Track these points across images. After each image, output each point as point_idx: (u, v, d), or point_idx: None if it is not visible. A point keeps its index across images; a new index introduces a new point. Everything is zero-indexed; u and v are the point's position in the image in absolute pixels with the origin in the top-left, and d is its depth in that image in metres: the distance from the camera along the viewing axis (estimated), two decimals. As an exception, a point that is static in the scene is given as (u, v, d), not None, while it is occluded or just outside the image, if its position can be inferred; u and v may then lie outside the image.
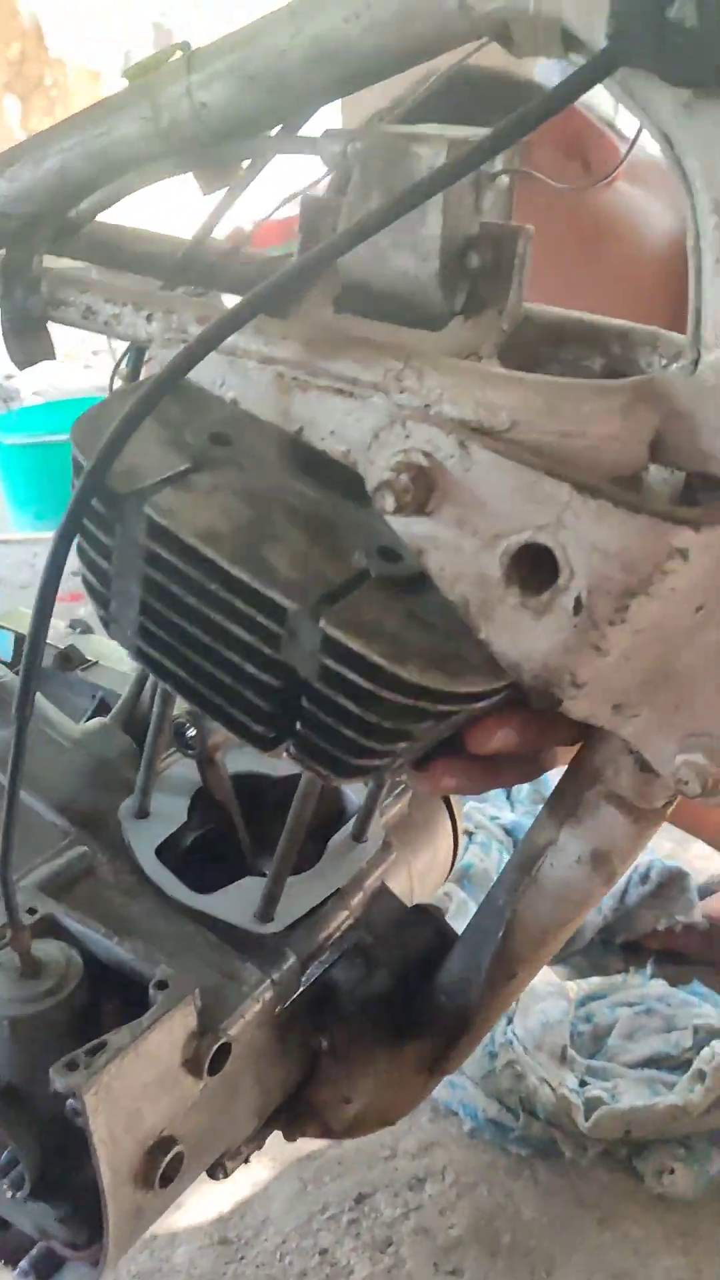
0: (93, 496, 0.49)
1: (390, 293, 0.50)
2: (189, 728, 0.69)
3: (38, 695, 0.76)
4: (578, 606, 0.43)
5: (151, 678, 0.77)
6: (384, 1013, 0.67)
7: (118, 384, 0.70)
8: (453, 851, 0.83)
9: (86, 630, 0.88)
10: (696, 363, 0.44)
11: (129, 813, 0.68)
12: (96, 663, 0.86)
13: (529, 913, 0.58)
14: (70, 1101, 0.51)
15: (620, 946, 1.43)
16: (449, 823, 0.83)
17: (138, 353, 0.58)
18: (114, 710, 0.76)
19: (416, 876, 0.78)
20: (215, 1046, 0.57)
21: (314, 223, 0.52)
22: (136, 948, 0.58)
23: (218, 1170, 0.67)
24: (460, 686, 0.47)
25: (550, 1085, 1.16)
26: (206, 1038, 0.57)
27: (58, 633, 0.88)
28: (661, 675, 0.46)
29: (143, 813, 0.69)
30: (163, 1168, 0.55)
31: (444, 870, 0.82)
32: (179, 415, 0.55)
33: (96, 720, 0.75)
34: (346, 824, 0.72)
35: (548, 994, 1.27)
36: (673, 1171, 1.11)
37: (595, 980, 1.34)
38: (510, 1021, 1.23)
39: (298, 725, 0.51)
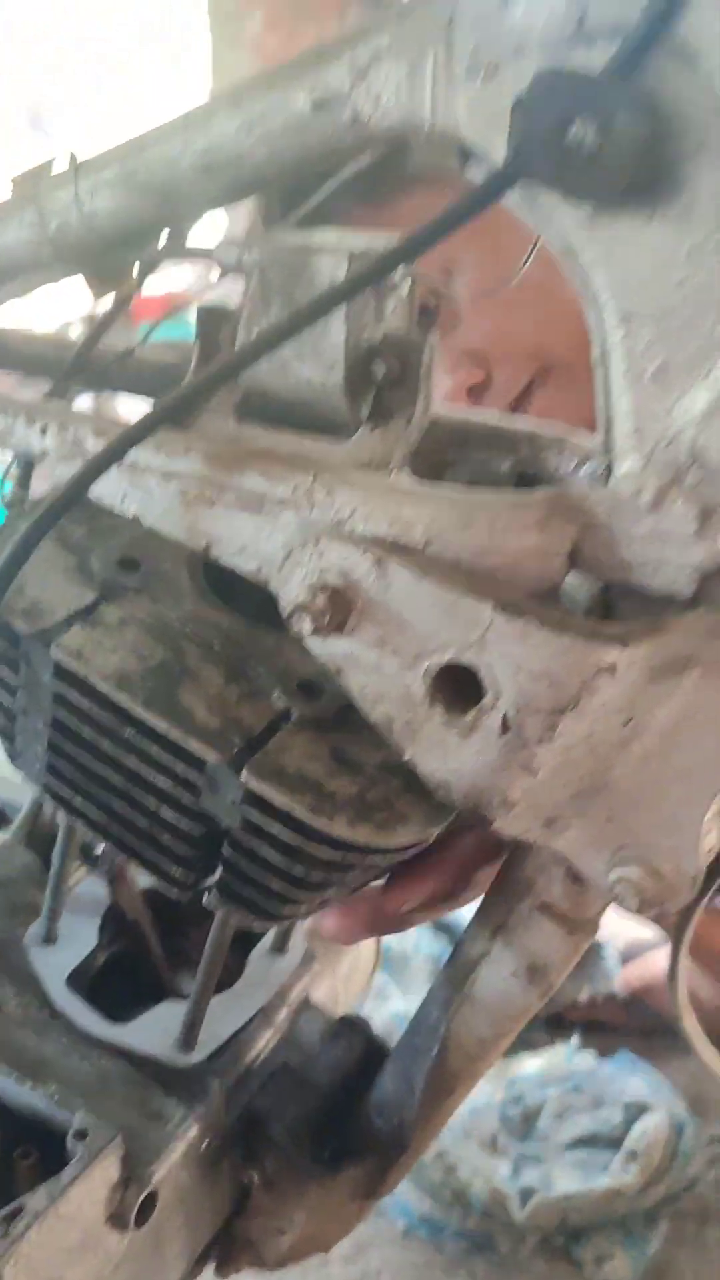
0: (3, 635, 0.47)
1: (294, 401, 0.48)
2: (97, 844, 0.66)
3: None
4: (505, 726, 0.42)
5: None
6: (315, 1138, 0.64)
7: None
8: (375, 952, 0.81)
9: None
10: (609, 471, 0.44)
11: (35, 939, 0.65)
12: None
13: (464, 1029, 0.56)
14: (-15, 1278, 0.47)
15: (544, 1021, 1.41)
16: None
17: (24, 466, 0.55)
18: (14, 825, 0.72)
19: (341, 982, 0.76)
20: (141, 1197, 0.53)
21: (210, 332, 0.51)
22: (51, 1093, 0.54)
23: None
24: (390, 841, 0.45)
25: (483, 1177, 1.13)
26: (131, 1188, 0.53)
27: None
28: (592, 788, 0.45)
29: (50, 938, 0.65)
30: (89, 1335, 0.51)
31: (368, 973, 0.79)
32: (83, 538, 0.53)
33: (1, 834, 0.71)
34: (265, 936, 0.69)
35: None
36: (613, 1258, 1.09)
37: (522, 1056, 1.32)
38: (439, 1109, 1.20)
39: (219, 871, 0.49)
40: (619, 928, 1.52)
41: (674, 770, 0.44)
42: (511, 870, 0.53)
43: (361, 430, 0.48)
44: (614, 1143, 1.18)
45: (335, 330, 0.46)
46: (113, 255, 0.52)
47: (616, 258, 0.41)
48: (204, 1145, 0.59)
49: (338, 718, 0.47)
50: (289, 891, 0.47)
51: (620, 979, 1.36)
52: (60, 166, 0.51)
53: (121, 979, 0.67)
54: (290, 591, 0.44)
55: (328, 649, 0.44)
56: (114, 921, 0.67)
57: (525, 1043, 1.38)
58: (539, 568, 0.43)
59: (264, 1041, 0.65)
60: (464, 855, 0.55)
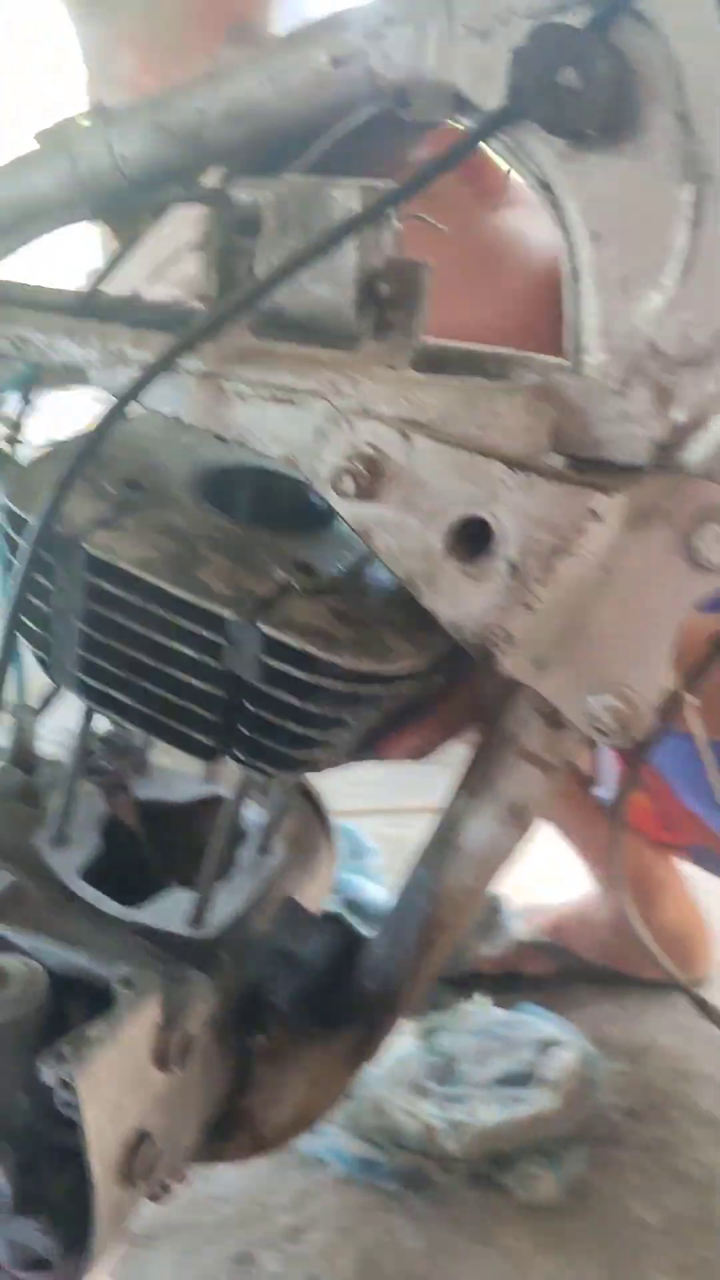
0: (46, 540, 0.54)
1: (307, 318, 0.56)
2: (100, 759, 0.71)
3: None
4: (510, 569, 0.51)
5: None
6: (312, 1009, 0.70)
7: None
8: (333, 854, 0.88)
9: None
10: (579, 367, 0.53)
11: (47, 841, 0.69)
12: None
13: (452, 880, 0.64)
14: (61, 1093, 0.52)
15: (453, 982, 1.49)
16: (327, 843, 0.88)
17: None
18: (7, 751, 0.77)
19: (310, 881, 0.82)
20: (181, 1038, 0.59)
21: (224, 261, 0.59)
22: (91, 953, 0.59)
23: (159, 1193, 0.68)
24: (390, 668, 0.54)
25: (414, 1115, 1.20)
26: (171, 1031, 0.59)
27: None
28: (574, 631, 0.54)
29: (61, 841, 0.70)
30: (141, 1163, 0.56)
31: (327, 885, 0.86)
32: (92, 471, 0.60)
33: (-11, 763, 0.76)
34: (252, 839, 0.76)
35: (395, 1033, 1.31)
36: (538, 1178, 1.17)
37: (434, 1015, 1.40)
38: (365, 1064, 1.27)
39: (241, 730, 0.56)
40: (513, 893, 1.62)
41: (642, 612, 0.53)
42: (493, 730, 0.61)
43: (367, 341, 0.56)
44: (529, 1080, 1.26)
45: (349, 254, 0.55)
46: (137, 197, 0.59)
47: (587, 186, 0.51)
48: (220, 1012, 0.65)
49: (331, 588, 0.56)
50: (305, 731, 0.55)
51: (528, 925, 1.46)
52: (86, 118, 0.58)
53: (116, 878, 0.72)
54: (327, 463, 0.52)
55: (358, 514, 0.52)
56: (114, 828, 0.73)
57: (434, 1004, 1.46)
58: (527, 443, 0.52)
59: (260, 927, 0.71)
60: (440, 723, 0.64)
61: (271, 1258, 1.13)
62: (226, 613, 0.53)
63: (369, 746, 0.61)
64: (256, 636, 0.53)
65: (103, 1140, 0.54)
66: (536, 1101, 1.20)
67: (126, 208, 0.60)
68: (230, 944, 0.68)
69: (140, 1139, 0.57)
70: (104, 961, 0.59)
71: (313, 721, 0.55)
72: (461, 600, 0.52)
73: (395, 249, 0.57)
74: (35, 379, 0.71)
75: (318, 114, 0.55)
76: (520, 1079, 1.27)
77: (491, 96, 0.51)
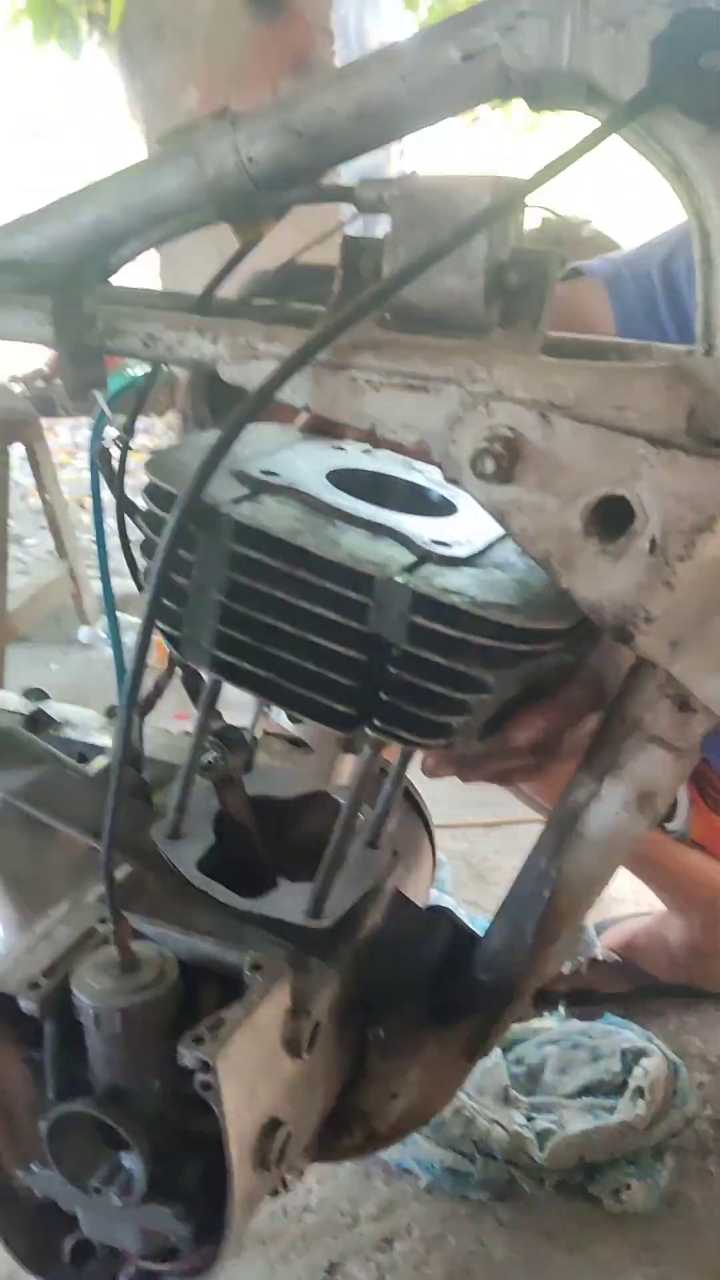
0: (192, 512, 0.55)
1: (437, 311, 0.57)
2: (212, 753, 0.72)
3: (49, 748, 0.77)
4: (652, 547, 0.51)
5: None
6: (426, 1001, 0.70)
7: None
8: (434, 858, 0.88)
9: (40, 696, 0.89)
10: (710, 350, 0.54)
11: (161, 834, 0.70)
12: (66, 722, 0.87)
13: (574, 869, 0.64)
14: (200, 1075, 0.53)
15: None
16: (429, 843, 0.88)
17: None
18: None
19: (414, 879, 0.82)
20: (312, 1024, 0.59)
21: (353, 258, 0.60)
22: (218, 940, 0.60)
23: (280, 1184, 0.68)
24: (539, 624, 0.54)
25: (501, 1125, 1.19)
26: (302, 1017, 0.59)
27: (16, 701, 0.89)
28: (714, 612, 0.54)
29: (176, 834, 0.70)
30: (276, 1148, 0.56)
31: (430, 882, 0.86)
32: (229, 464, 0.62)
33: (100, 759, 0.77)
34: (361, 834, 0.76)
35: (479, 1042, 1.30)
36: (629, 1188, 1.16)
37: (515, 1027, 1.39)
38: (447, 1074, 1.26)
39: (381, 696, 0.56)
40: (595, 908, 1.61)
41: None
42: (619, 715, 0.61)
43: (495, 331, 0.57)
44: (616, 1089, 1.25)
45: (479, 245, 0.55)
46: (262, 198, 0.60)
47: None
48: (341, 1001, 0.65)
49: (470, 561, 0.58)
50: (447, 694, 0.55)
51: (602, 944, 1.45)
52: (213, 121, 0.60)
53: (226, 871, 0.72)
54: (464, 447, 0.52)
55: (494, 497, 0.53)
56: (225, 823, 0.73)
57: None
58: (665, 423, 0.53)
59: (373, 919, 0.71)
60: (565, 706, 0.64)
61: (360, 1267, 1.12)
62: (375, 572, 0.55)
63: (496, 729, 0.61)
64: (405, 594, 0.54)
65: (239, 1124, 0.54)
66: (625, 1111, 1.19)
67: (252, 209, 0.61)
68: (345, 935, 0.68)
69: (273, 1125, 0.57)
70: (232, 948, 0.59)
71: (456, 682, 0.56)
72: (601, 580, 0.52)
73: (524, 238, 0.58)
74: (148, 387, 0.73)
75: (446, 106, 0.56)
76: (607, 1088, 1.26)
77: (627, 85, 0.51)
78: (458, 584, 0.55)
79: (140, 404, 0.71)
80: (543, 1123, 1.20)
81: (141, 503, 0.60)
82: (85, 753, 0.85)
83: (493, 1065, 1.26)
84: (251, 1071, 0.55)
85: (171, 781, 0.75)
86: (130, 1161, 0.56)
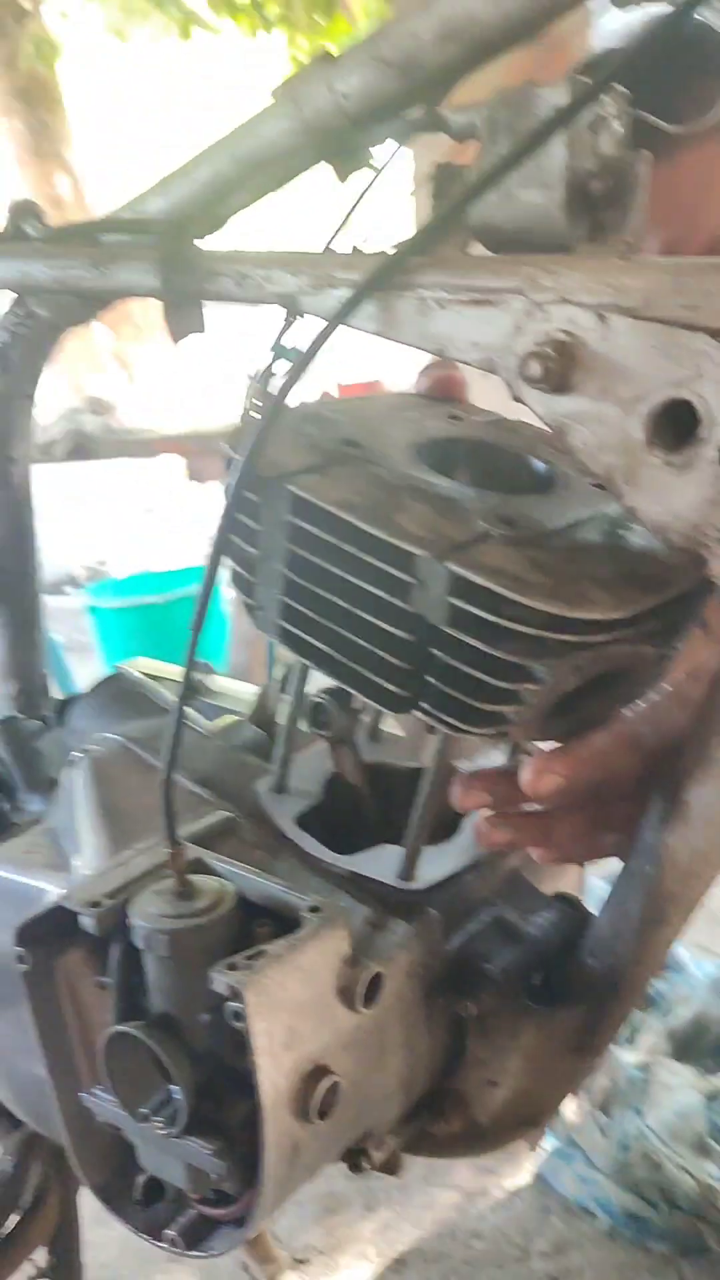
0: (252, 481, 0.55)
1: (518, 228, 0.54)
2: (326, 710, 0.71)
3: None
4: (720, 455, 0.46)
5: (283, 679, 0.81)
6: (529, 983, 0.65)
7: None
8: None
9: (209, 671, 0.91)
10: None
11: (267, 787, 0.70)
12: (221, 694, 0.89)
13: (679, 842, 0.58)
14: (230, 1004, 0.51)
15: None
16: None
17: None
18: (246, 712, 0.79)
19: (548, 880, 0.77)
20: (369, 975, 0.56)
21: (445, 186, 0.58)
22: (285, 884, 0.58)
23: (361, 1158, 0.65)
24: (580, 612, 0.50)
25: (691, 1173, 1.09)
26: (360, 967, 0.56)
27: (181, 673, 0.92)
28: None
29: (280, 787, 0.70)
30: (319, 1098, 0.54)
31: (575, 879, 0.81)
32: (315, 432, 0.62)
33: (228, 717, 0.78)
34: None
35: (680, 1085, 1.20)
36: None
37: (727, 1077, 1.27)
38: (641, 1114, 1.17)
39: (428, 679, 0.54)
40: None
41: None
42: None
43: (582, 246, 0.54)
44: None
45: (557, 153, 0.52)
46: (359, 135, 0.60)
47: None
48: (423, 968, 0.62)
49: (532, 541, 0.54)
50: (490, 679, 0.52)
51: None
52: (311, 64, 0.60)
53: (339, 834, 0.71)
54: (518, 356, 0.49)
55: (554, 409, 0.49)
56: (338, 785, 0.72)
57: (730, 1066, 1.33)
58: (748, 324, 0.47)
59: (478, 892, 0.67)
60: (601, 748, 0.59)
61: (524, 1303, 1.05)
62: (416, 549, 0.52)
63: (570, 727, 0.57)
64: (444, 575, 0.51)
65: (273, 1061, 0.52)
66: None
67: (349, 148, 0.61)
68: (442, 903, 0.65)
69: (320, 1074, 0.54)
70: (296, 891, 0.58)
71: (499, 670, 0.52)
72: (666, 496, 0.48)
73: (615, 146, 0.54)
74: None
75: (531, 17, 0.54)
76: None
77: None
78: (507, 565, 0.51)
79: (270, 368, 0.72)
80: (740, 1178, 1.08)
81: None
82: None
83: (691, 1110, 1.17)
84: (291, 1010, 0.53)
85: (305, 747, 0.75)
86: (177, 1092, 0.55)
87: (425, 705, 0.55)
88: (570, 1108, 1.16)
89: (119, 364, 7.84)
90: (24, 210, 0.73)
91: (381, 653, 0.56)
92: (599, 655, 0.52)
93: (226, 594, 3.39)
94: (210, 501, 5.59)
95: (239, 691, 0.90)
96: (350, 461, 0.60)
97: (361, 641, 0.56)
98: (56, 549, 4.67)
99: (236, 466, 0.58)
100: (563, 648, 0.51)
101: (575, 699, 0.56)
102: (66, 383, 6.67)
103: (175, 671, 0.92)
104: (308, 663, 0.61)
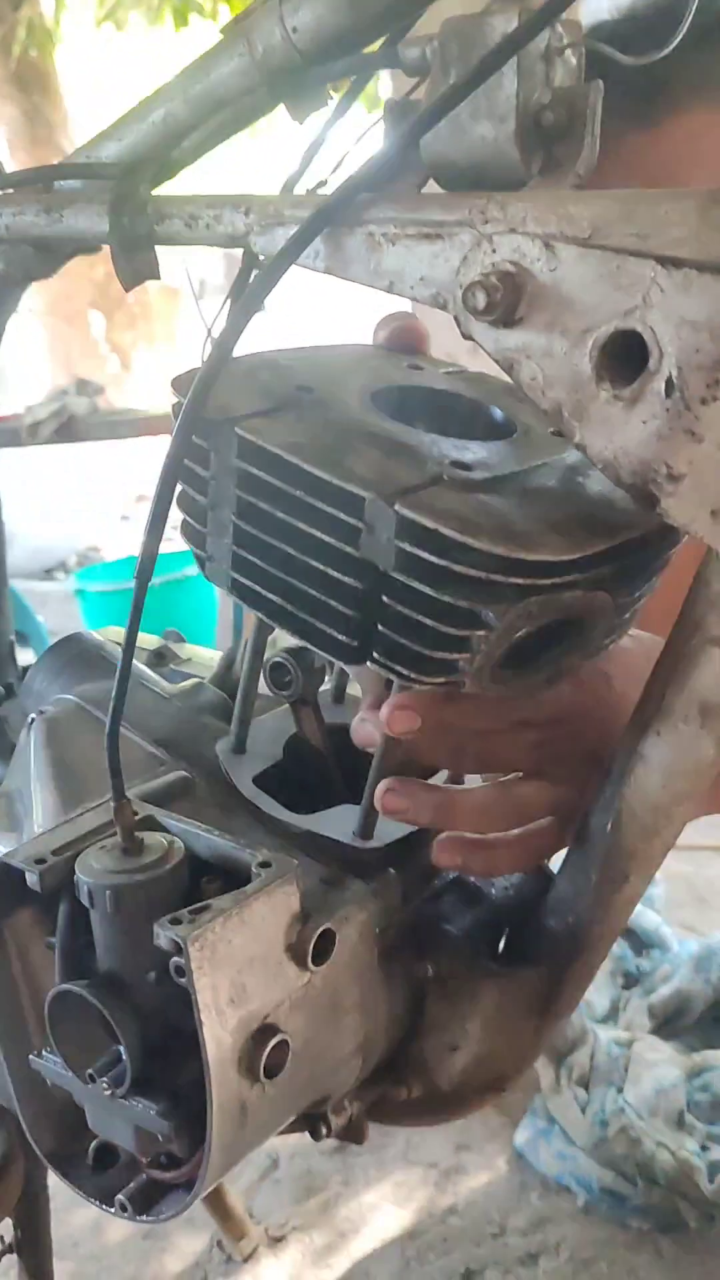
0: (193, 422, 0.53)
1: (471, 164, 0.53)
2: (286, 670, 0.70)
3: (141, 667, 0.78)
4: (669, 388, 0.44)
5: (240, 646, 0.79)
6: (489, 944, 0.64)
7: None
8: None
9: (179, 639, 0.90)
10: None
11: (226, 748, 0.69)
12: (189, 660, 0.88)
13: (637, 796, 0.56)
14: (175, 959, 0.50)
15: (732, 1022, 1.34)
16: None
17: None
18: (211, 675, 0.78)
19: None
20: (318, 932, 0.55)
21: (395, 121, 0.57)
22: (235, 840, 0.57)
23: (320, 1125, 0.64)
24: (529, 554, 0.48)
25: (669, 1149, 1.07)
26: (310, 923, 0.55)
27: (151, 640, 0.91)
28: (757, 474, 0.46)
29: (239, 748, 0.69)
30: (266, 1055, 0.53)
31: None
32: (268, 378, 0.60)
33: (191, 680, 0.77)
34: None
35: (659, 1061, 1.19)
36: None
37: (710, 1054, 1.26)
38: (621, 1091, 1.16)
39: (379, 627, 0.52)
40: None
41: None
42: (680, 620, 0.53)
43: (533, 181, 0.52)
44: None
45: (508, 83, 0.51)
46: (312, 72, 0.58)
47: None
48: (379, 927, 0.61)
49: (484, 486, 0.52)
50: (440, 625, 0.50)
51: None
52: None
53: (300, 796, 0.69)
54: (466, 285, 0.48)
55: (502, 343, 0.48)
56: (297, 745, 0.71)
57: (711, 1042, 1.32)
58: (697, 250, 0.46)
59: (439, 853, 0.66)
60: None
61: (499, 1279, 1.04)
62: (363, 492, 0.51)
63: (526, 673, 0.55)
64: (392, 518, 0.50)
65: (219, 1017, 0.51)
66: None
67: (303, 85, 0.59)
68: (402, 863, 0.63)
69: (268, 1033, 0.53)
70: (245, 848, 0.56)
71: (449, 616, 0.50)
72: (616, 432, 0.46)
73: (570, 77, 0.53)
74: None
75: (483, -57, 0.52)
76: None
77: None
78: (456, 509, 0.50)
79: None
80: (718, 1153, 1.07)
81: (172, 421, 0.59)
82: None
83: (671, 1086, 1.16)
84: (238, 966, 0.52)
85: (268, 710, 0.74)
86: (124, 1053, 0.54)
87: (377, 655, 0.54)
88: (548, 1083, 1.15)
89: (114, 350, 7.84)
90: (-22, 161, 0.71)
91: (332, 602, 0.54)
92: (551, 601, 0.51)
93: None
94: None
95: (207, 659, 0.88)
96: (302, 406, 0.58)
97: (312, 591, 0.55)
98: (49, 535, 4.66)
99: (180, 410, 0.57)
100: (513, 592, 0.50)
101: (531, 650, 0.54)
102: (62, 370, 6.66)
103: (144, 639, 0.91)
104: (259, 615, 0.60)
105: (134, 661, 0.77)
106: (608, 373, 0.46)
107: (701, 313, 0.43)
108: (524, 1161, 1.17)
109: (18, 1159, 0.85)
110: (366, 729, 0.63)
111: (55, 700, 0.71)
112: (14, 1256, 0.91)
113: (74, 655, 0.78)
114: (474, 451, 0.56)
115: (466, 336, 0.50)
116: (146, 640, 0.90)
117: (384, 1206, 1.09)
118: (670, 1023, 1.30)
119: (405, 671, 0.53)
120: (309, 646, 0.61)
